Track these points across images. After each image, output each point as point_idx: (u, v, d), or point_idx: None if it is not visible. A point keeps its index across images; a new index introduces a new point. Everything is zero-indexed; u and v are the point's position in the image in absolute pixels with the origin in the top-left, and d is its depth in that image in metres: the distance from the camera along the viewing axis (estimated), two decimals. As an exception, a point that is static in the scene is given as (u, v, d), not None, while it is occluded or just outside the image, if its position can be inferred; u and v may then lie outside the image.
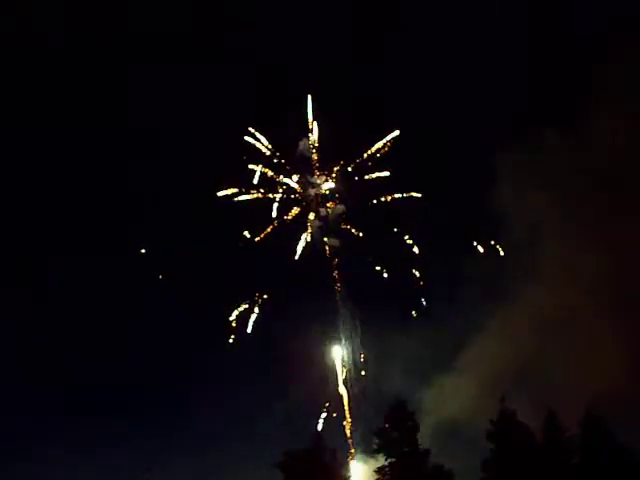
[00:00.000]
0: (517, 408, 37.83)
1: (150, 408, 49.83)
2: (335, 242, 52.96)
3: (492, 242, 51.40)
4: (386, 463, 39.57)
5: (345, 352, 51.17)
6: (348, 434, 49.27)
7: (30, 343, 48.97)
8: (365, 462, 43.14)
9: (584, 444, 36.53)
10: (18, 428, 47.71)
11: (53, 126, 52.23)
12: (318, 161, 53.27)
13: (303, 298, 49.84)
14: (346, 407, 50.34)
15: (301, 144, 52.54)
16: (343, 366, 50.66)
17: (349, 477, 41.06)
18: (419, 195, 52.35)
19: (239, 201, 51.47)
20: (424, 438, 41.07)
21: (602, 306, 46.85)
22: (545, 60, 53.39)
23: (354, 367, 50.81)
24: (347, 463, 42.24)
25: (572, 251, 48.54)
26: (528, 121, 51.29)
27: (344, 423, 49.78)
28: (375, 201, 52.65)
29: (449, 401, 47.95)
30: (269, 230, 51.50)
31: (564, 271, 48.67)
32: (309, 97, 52.61)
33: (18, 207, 52.14)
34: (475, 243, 51.66)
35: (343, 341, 51.47)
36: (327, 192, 53.61)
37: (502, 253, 51.41)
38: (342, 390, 50.63)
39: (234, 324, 50.28)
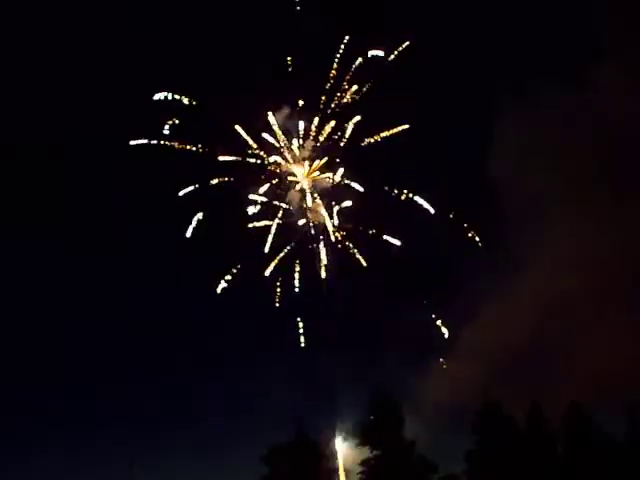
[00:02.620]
0: (507, 398, 38.08)
1: (135, 406, 49.63)
2: (320, 218, 50.63)
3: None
4: (371, 455, 39.31)
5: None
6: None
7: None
8: (352, 451, 42.41)
9: (567, 435, 36.53)
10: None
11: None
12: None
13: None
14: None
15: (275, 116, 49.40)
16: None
17: (335, 469, 40.94)
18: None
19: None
20: (421, 423, 40.55)
21: (603, 290, 44.34)
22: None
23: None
24: (333, 453, 41.47)
25: (574, 229, 45.66)
26: (528, 74, 47.54)
27: None
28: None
29: (444, 387, 46.42)
30: None
31: (563, 251, 45.91)
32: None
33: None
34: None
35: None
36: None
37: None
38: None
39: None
